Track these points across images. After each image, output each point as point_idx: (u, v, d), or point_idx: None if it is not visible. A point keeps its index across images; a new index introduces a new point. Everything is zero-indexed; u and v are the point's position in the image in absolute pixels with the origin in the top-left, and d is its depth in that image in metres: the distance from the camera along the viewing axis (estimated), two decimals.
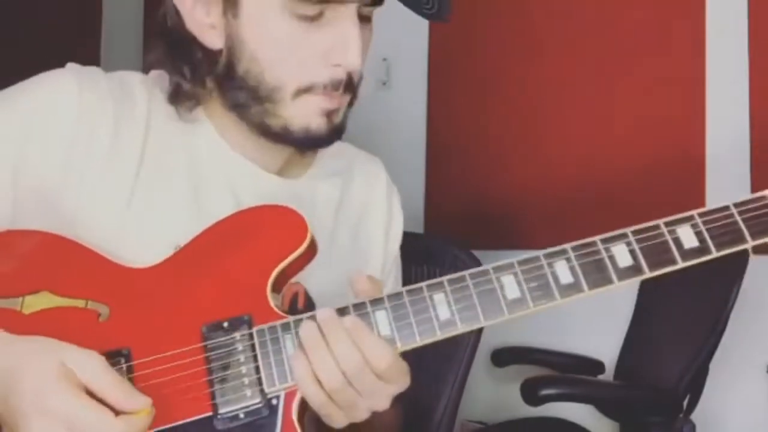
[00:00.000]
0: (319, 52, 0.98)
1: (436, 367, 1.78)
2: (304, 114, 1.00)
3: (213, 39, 1.01)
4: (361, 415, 0.90)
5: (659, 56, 2.50)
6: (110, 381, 0.84)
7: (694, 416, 2.02)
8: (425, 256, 1.97)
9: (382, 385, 0.88)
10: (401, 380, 0.89)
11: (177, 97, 1.05)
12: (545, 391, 1.86)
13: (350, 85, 1.01)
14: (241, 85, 1.00)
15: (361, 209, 1.19)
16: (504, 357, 2.52)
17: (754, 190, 0.90)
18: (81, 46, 3.22)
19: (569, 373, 2.46)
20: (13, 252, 0.98)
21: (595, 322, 2.46)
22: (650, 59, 2.52)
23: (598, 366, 2.48)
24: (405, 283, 1.27)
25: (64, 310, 0.94)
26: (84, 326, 0.92)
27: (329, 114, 1.01)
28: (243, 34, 0.99)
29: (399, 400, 0.93)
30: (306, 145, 1.04)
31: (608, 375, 2.44)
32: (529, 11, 2.70)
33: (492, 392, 2.66)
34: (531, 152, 2.68)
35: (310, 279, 1.06)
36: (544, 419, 2.28)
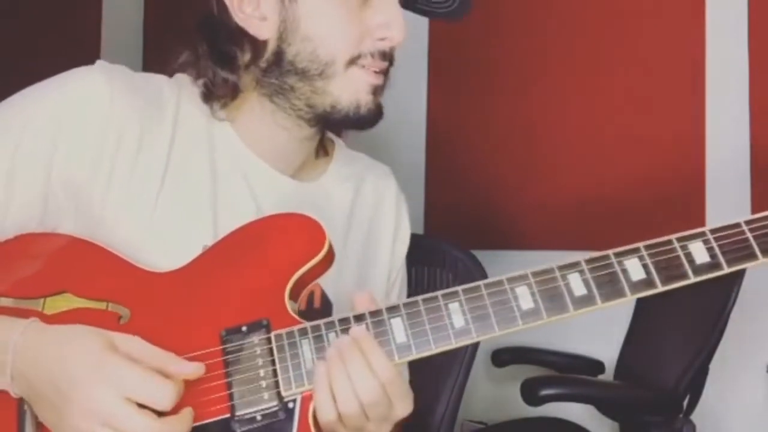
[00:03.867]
0: (368, 27, 1.04)
1: (436, 368, 1.79)
2: (355, 89, 1.05)
3: (262, 30, 1.05)
4: None
5: (660, 67, 2.50)
6: (157, 351, 0.89)
7: (694, 416, 2.02)
8: (425, 256, 1.98)
9: (390, 412, 0.90)
10: (403, 404, 0.92)
11: (210, 95, 1.08)
12: (545, 391, 1.86)
13: (392, 58, 1.08)
14: (289, 68, 1.05)
15: (371, 215, 1.22)
16: (504, 357, 2.52)
17: (754, 201, 0.91)
18: (81, 46, 3.21)
19: (569, 373, 2.46)
20: (37, 254, 1.00)
21: (595, 322, 2.44)
22: (651, 69, 2.52)
23: (598, 366, 2.48)
24: (410, 285, 1.30)
25: (84, 311, 0.96)
26: (106, 327, 0.92)
27: (375, 91, 1.06)
28: (298, 17, 1.03)
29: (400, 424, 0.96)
30: (353, 123, 1.07)
31: (608, 375, 2.44)
32: (531, 13, 2.70)
33: (492, 392, 2.66)
34: (531, 153, 2.68)
35: (324, 280, 1.07)
36: (544, 419, 2.28)
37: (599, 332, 2.46)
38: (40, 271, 0.99)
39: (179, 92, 1.09)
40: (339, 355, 0.89)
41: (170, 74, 1.12)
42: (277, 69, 1.06)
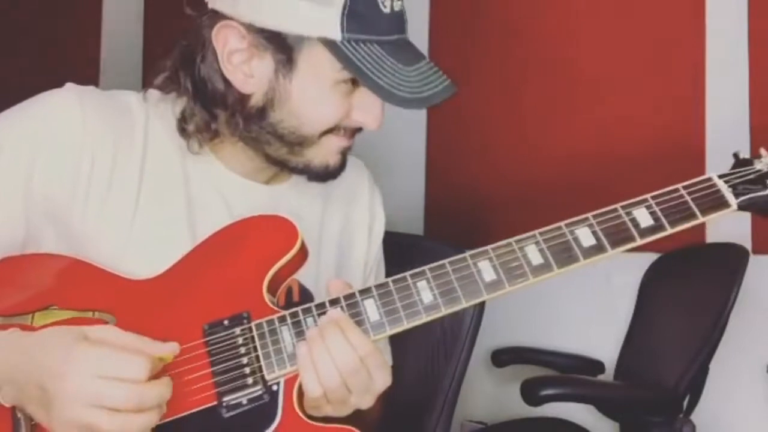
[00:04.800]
0: (349, 109, 1.08)
1: (433, 367, 1.78)
2: (326, 153, 1.10)
3: (247, 85, 1.07)
4: (346, 411, 0.98)
5: (659, 49, 2.50)
6: (132, 336, 0.92)
7: (694, 416, 2.02)
8: (425, 257, 1.98)
9: (371, 383, 0.96)
10: (381, 373, 0.97)
11: (184, 131, 1.11)
12: (545, 391, 1.86)
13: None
14: (269, 129, 1.08)
15: (345, 209, 1.27)
16: (504, 357, 2.52)
17: None
18: (81, 48, 3.21)
19: (569, 373, 2.46)
20: (22, 273, 1.05)
21: (595, 322, 2.46)
22: (650, 52, 2.52)
23: (598, 366, 2.48)
24: None
25: (74, 321, 0.99)
26: None
27: (344, 151, 1.12)
28: (290, 93, 1.06)
29: (381, 398, 1.01)
30: (319, 179, 1.13)
31: (608, 375, 2.44)
32: (530, 12, 2.70)
33: (492, 392, 2.65)
34: (532, 154, 2.68)
35: (303, 275, 1.12)
36: (544, 419, 2.28)
37: (599, 332, 2.46)
38: (26, 289, 1.03)
39: (148, 109, 1.11)
40: (319, 333, 0.95)
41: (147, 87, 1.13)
42: (257, 124, 1.09)
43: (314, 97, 1.06)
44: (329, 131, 1.08)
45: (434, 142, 2.77)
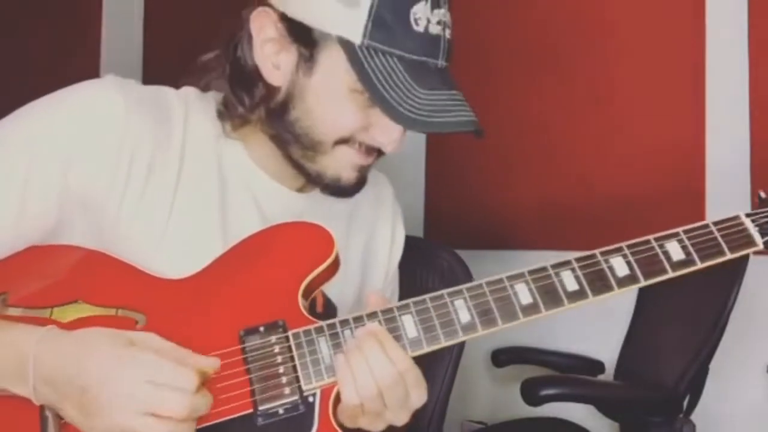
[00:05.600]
0: (368, 125, 1.05)
1: (424, 367, 1.79)
2: (339, 165, 1.07)
3: (274, 77, 1.06)
4: (380, 426, 0.98)
5: (660, 67, 2.50)
6: (174, 346, 0.92)
7: (694, 416, 2.02)
8: (424, 259, 1.98)
9: (406, 400, 0.96)
10: (418, 391, 0.96)
11: (223, 114, 1.10)
12: (545, 391, 1.86)
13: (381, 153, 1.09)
14: (288, 127, 1.06)
15: (369, 224, 1.25)
16: (504, 357, 2.52)
17: (753, 196, 0.96)
18: (81, 48, 3.21)
19: (569, 373, 2.46)
20: (48, 265, 1.03)
21: (595, 322, 2.46)
22: (651, 70, 2.52)
23: (598, 366, 2.48)
24: (402, 284, 1.33)
25: (100, 318, 0.98)
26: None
27: (361, 169, 1.09)
28: (307, 91, 1.04)
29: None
30: (332, 193, 1.11)
31: (608, 375, 2.44)
32: (532, 19, 2.70)
33: (492, 392, 2.66)
34: (531, 156, 2.68)
35: (328, 285, 1.09)
36: (544, 419, 2.28)
37: (599, 332, 2.46)
38: (51, 281, 1.01)
39: (187, 106, 1.10)
40: (357, 345, 0.95)
41: (192, 71, 1.13)
42: (279, 120, 1.07)
43: (329, 99, 1.03)
44: (344, 142, 1.05)
45: (434, 145, 2.77)
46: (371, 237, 1.25)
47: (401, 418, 0.97)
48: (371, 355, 0.93)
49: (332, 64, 1.02)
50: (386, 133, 1.05)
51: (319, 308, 1.13)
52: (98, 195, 1.02)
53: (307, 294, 1.03)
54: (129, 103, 1.03)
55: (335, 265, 1.04)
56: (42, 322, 0.96)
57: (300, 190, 1.15)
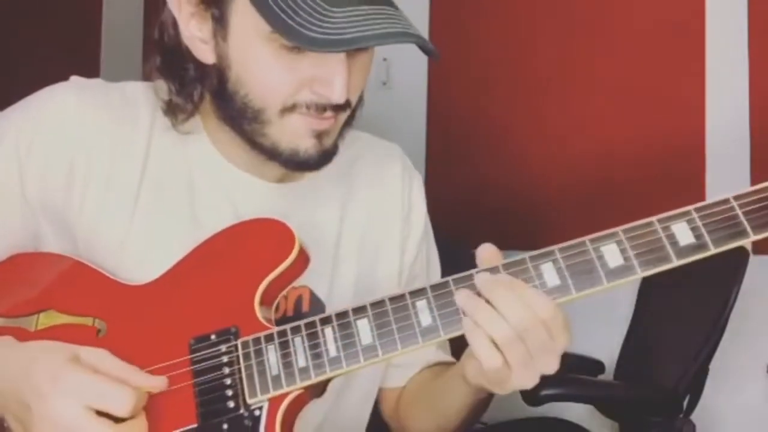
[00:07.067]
0: (303, 78, 0.95)
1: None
2: (292, 134, 0.97)
3: (205, 54, 0.99)
4: (533, 377, 0.87)
5: (660, 47, 2.50)
6: (121, 364, 0.88)
7: (694, 416, 2.02)
8: None
9: (552, 342, 0.84)
10: (565, 335, 0.85)
11: (170, 108, 1.03)
12: (545, 391, 1.86)
13: (341, 107, 0.97)
14: (231, 104, 0.98)
15: (372, 204, 1.15)
16: None
17: (754, 182, 0.86)
18: (81, 48, 3.22)
19: (569, 373, 2.46)
20: (24, 274, 1.02)
21: (595, 322, 2.45)
22: (651, 50, 2.52)
23: (598, 366, 2.48)
24: None
25: (67, 327, 0.96)
26: (83, 341, 0.93)
27: (319, 135, 0.98)
28: (230, 57, 0.96)
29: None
30: (294, 167, 1.01)
31: (608, 375, 2.44)
32: (529, 9, 2.70)
33: None
34: (531, 151, 2.68)
35: (319, 280, 1.06)
36: (544, 419, 2.28)
37: (599, 332, 2.46)
38: (27, 290, 1.00)
39: (155, 101, 1.05)
40: (472, 302, 0.85)
41: (146, 79, 1.08)
42: (222, 99, 1.00)
43: (250, 58, 0.94)
44: (291, 109, 0.95)
45: (434, 141, 2.77)
46: (374, 218, 1.14)
47: (551, 365, 0.86)
48: (496, 298, 0.83)
49: (241, 16, 0.93)
50: (325, 81, 0.93)
51: (306, 307, 1.06)
52: (58, 199, 1.01)
53: (270, 296, 0.96)
54: (83, 104, 1.01)
55: (301, 262, 0.95)
56: (21, 335, 0.95)
57: (281, 180, 1.08)
